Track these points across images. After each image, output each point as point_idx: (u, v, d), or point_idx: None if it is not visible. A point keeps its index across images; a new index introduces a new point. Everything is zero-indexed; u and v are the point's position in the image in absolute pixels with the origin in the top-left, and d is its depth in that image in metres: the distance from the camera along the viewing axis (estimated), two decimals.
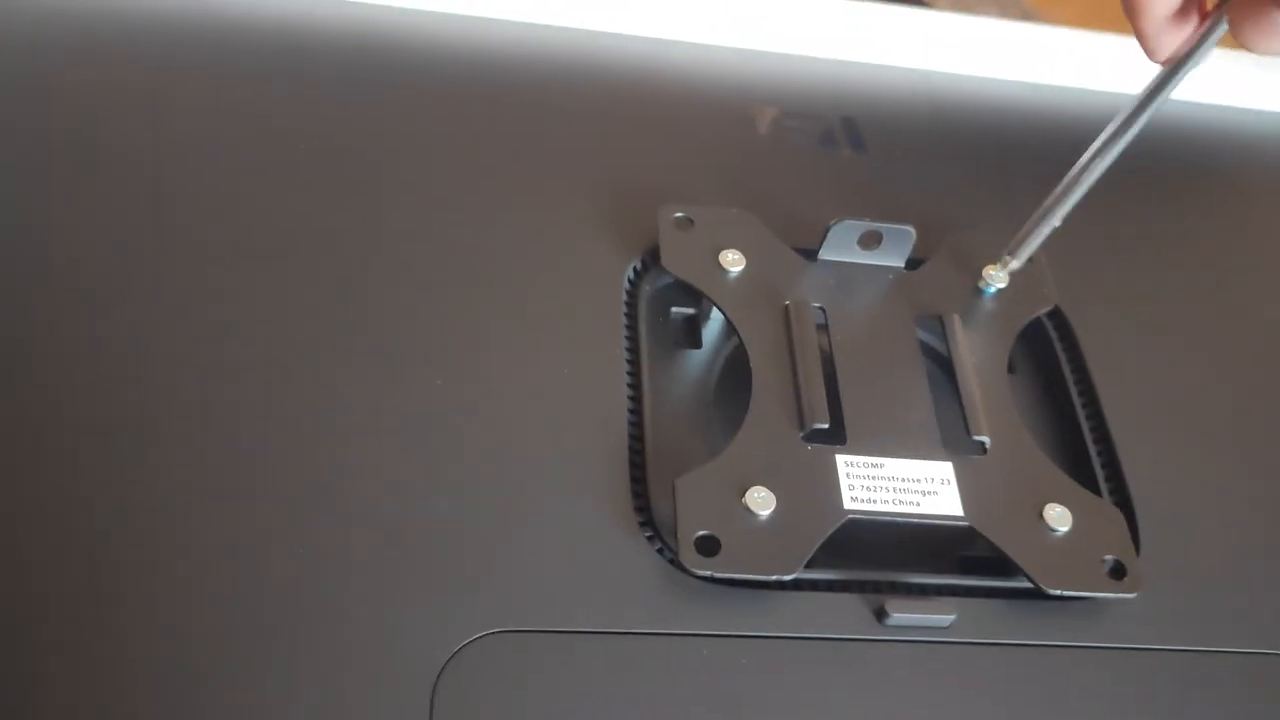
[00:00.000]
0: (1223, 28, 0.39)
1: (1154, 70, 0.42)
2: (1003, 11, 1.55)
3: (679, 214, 0.47)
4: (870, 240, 0.47)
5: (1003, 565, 0.42)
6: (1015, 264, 0.47)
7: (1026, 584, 0.41)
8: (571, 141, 0.52)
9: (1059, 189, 0.45)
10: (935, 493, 0.42)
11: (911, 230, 0.46)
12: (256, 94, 0.50)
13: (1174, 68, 0.41)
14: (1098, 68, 0.61)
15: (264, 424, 0.40)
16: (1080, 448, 0.46)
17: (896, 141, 0.56)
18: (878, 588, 0.41)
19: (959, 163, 0.56)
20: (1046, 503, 0.42)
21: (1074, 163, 0.44)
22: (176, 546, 0.37)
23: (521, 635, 0.37)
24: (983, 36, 0.62)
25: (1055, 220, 0.46)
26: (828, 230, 0.46)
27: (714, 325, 0.48)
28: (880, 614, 0.40)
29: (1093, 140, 0.44)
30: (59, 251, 0.43)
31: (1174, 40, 0.40)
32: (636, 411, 0.43)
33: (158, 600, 0.36)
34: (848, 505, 0.41)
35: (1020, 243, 0.47)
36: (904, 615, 0.39)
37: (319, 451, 0.40)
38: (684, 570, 0.39)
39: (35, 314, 0.42)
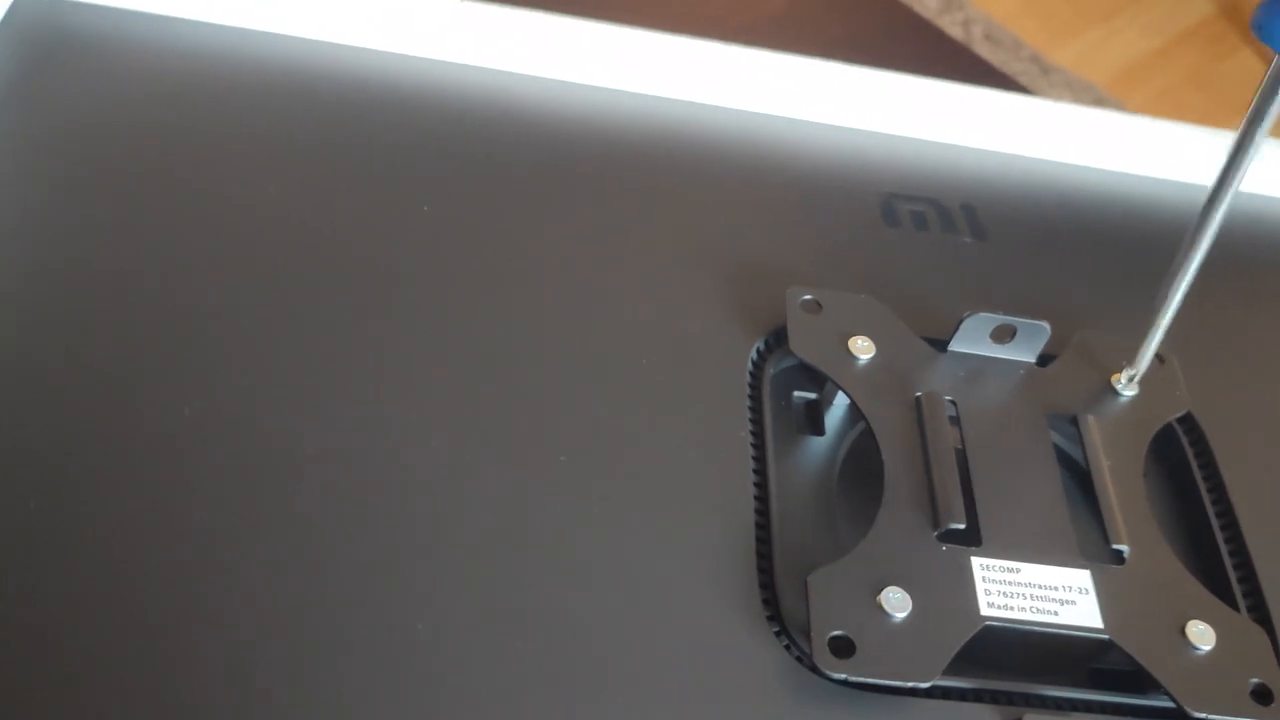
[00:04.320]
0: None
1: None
2: (1075, 96, 1.55)
3: (807, 297, 0.46)
4: (1003, 334, 0.46)
5: (1137, 680, 0.41)
6: (1136, 373, 0.46)
7: (1165, 703, 0.39)
8: (698, 220, 0.51)
9: (1161, 290, 0.44)
10: (1073, 602, 0.40)
11: (1046, 326, 0.45)
12: (374, 161, 0.50)
13: (1238, 153, 0.40)
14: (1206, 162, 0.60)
15: (388, 506, 0.39)
16: (1215, 560, 0.44)
17: (1015, 229, 0.55)
18: (1011, 699, 0.40)
19: (1076, 253, 0.55)
20: (1188, 618, 0.40)
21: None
22: (274, 632, 0.36)
23: None
24: (1090, 126, 0.61)
25: (1165, 322, 0.44)
26: (961, 322, 0.45)
27: (836, 412, 0.46)
28: None
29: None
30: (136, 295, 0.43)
31: None
32: (763, 499, 0.42)
33: (260, 685, 0.35)
34: (985, 611, 0.39)
35: (1138, 350, 0.46)
36: None
37: (440, 534, 0.39)
38: (814, 670, 0.38)
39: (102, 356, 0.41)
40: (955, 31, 1.57)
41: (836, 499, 0.44)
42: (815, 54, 0.60)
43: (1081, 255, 0.55)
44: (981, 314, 0.45)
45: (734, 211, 0.52)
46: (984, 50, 1.55)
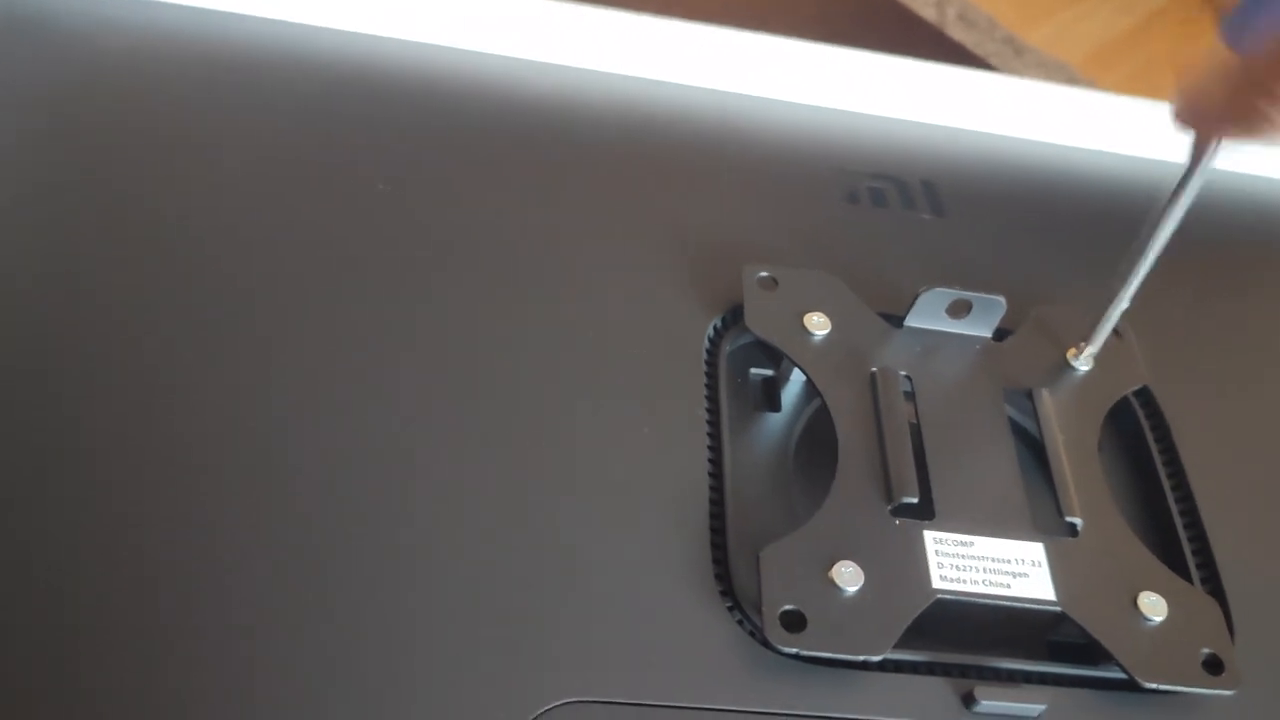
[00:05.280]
0: None
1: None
2: (1048, 75, 1.55)
3: (763, 274, 0.46)
4: (959, 309, 0.46)
5: (1090, 652, 0.41)
6: (1092, 349, 0.46)
7: (1118, 674, 0.39)
8: (656, 196, 0.51)
9: (1122, 269, 0.44)
10: (1026, 575, 0.40)
11: (1002, 301, 0.45)
12: (332, 142, 0.50)
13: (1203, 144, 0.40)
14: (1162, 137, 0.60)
15: (341, 485, 0.39)
16: (1170, 532, 0.45)
17: (974, 206, 0.55)
18: (964, 672, 0.40)
19: (1036, 229, 0.55)
20: (1140, 590, 0.40)
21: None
22: (247, 608, 0.36)
23: (599, 706, 0.36)
24: (1055, 102, 0.61)
25: (1124, 301, 0.45)
26: (916, 297, 0.45)
27: (793, 388, 0.46)
28: (968, 700, 0.38)
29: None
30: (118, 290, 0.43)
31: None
32: (717, 475, 0.42)
33: (228, 663, 0.35)
34: (937, 584, 0.39)
35: (1095, 326, 0.46)
36: (993, 703, 0.38)
37: (396, 512, 0.39)
38: (765, 644, 0.38)
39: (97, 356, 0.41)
40: (928, 13, 1.57)
41: (792, 475, 0.44)
42: (784, 35, 0.60)
43: (1039, 231, 0.55)
44: (937, 289, 0.45)
45: (694, 188, 0.52)
46: (957, 31, 1.55)
